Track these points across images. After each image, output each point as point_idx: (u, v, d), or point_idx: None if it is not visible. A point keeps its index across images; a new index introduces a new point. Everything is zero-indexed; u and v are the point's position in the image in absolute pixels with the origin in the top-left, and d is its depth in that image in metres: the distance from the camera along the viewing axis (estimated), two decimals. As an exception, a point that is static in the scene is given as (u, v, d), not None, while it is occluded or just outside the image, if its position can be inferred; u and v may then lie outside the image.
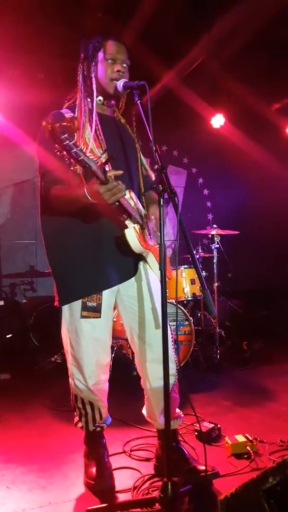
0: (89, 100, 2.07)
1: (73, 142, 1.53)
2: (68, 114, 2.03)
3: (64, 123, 1.51)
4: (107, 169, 1.72)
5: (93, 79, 2.05)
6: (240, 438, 2.43)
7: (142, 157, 2.25)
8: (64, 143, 1.52)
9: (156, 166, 1.78)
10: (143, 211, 2.15)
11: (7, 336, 4.72)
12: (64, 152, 1.56)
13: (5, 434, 2.79)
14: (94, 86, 2.05)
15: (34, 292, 5.54)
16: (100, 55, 2.06)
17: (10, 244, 5.66)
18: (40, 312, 4.85)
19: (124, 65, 2.08)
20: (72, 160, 1.58)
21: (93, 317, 2.08)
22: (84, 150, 1.60)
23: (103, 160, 1.71)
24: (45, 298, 5.14)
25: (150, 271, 2.19)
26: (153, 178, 2.28)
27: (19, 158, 5.36)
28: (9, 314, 4.81)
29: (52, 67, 4.75)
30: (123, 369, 3.65)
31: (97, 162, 1.67)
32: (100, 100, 2.11)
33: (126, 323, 2.23)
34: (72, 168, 1.63)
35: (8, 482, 2.22)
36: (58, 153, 1.56)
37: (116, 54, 2.06)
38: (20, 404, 3.31)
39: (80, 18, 3.99)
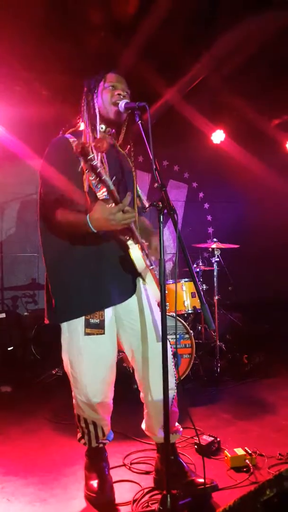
0: (92, 129, 2.13)
1: (97, 162, 1.63)
2: (72, 139, 2.11)
3: (94, 144, 1.62)
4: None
5: (96, 107, 2.13)
6: (240, 451, 2.44)
7: (138, 187, 2.31)
8: (92, 163, 1.62)
9: (156, 184, 1.83)
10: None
11: (9, 349, 4.74)
12: (91, 170, 1.66)
13: (6, 446, 2.80)
14: (97, 113, 2.12)
15: (35, 305, 5.57)
16: (101, 85, 2.16)
17: (13, 257, 5.71)
18: (41, 325, 4.87)
19: (125, 92, 2.16)
20: (97, 178, 1.67)
21: (97, 334, 2.08)
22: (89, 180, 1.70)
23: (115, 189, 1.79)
24: (46, 311, 5.16)
25: (148, 286, 2.23)
26: (146, 206, 2.34)
27: (22, 172, 5.43)
28: (10, 326, 4.83)
29: (55, 84, 4.83)
30: (124, 382, 3.65)
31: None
32: (102, 128, 2.17)
33: (124, 338, 2.24)
34: (98, 190, 1.71)
35: (9, 495, 2.23)
36: (87, 171, 1.68)
37: (116, 82, 2.16)
38: (21, 416, 3.32)
39: (83, 36, 4.08)
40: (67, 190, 1.87)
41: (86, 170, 1.69)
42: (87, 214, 1.85)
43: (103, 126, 2.18)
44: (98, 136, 2.12)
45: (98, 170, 1.65)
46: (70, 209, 1.97)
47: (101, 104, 2.14)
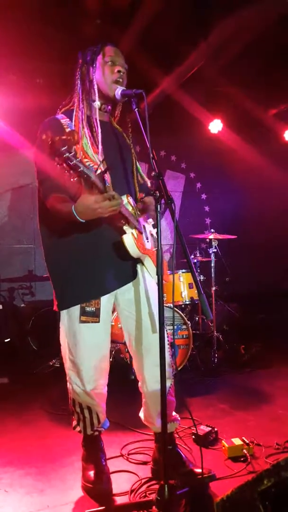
0: (86, 104, 2.08)
1: (72, 154, 1.57)
2: (64, 120, 2.05)
3: (64, 137, 1.55)
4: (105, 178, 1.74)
5: (94, 81, 2.06)
6: (237, 441, 2.45)
7: (138, 164, 2.27)
8: (64, 156, 1.56)
9: (153, 173, 1.80)
10: (140, 215, 2.17)
11: (5, 340, 4.73)
12: (64, 164, 1.59)
13: (3, 438, 2.80)
14: (95, 87, 2.06)
15: (32, 296, 5.56)
16: (99, 58, 2.09)
17: (9, 248, 5.68)
18: (38, 316, 4.87)
19: (123, 69, 2.11)
20: (71, 171, 1.61)
21: (92, 322, 2.08)
22: (82, 158, 1.63)
23: (102, 169, 1.74)
24: (43, 302, 5.15)
25: (148, 274, 2.21)
26: (149, 185, 2.30)
27: (17, 163, 5.39)
28: (7, 318, 4.82)
29: (50, 72, 4.78)
30: (121, 373, 3.66)
31: (96, 171, 1.70)
32: (97, 105, 2.10)
33: (124, 326, 2.24)
34: (72, 179, 1.65)
35: (6, 486, 2.23)
36: (58, 165, 1.60)
37: (115, 56, 2.10)
38: (18, 407, 3.32)
39: (79, 24, 4.03)
40: (60, 177, 1.82)
41: (58, 164, 1.61)
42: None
43: (99, 103, 2.10)
44: (97, 114, 2.06)
45: (73, 162, 1.58)
46: (62, 197, 1.94)
47: (101, 79, 2.07)
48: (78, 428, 2.27)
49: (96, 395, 2.17)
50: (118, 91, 2.03)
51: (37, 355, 4.64)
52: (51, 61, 4.53)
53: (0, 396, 3.64)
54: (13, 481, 2.28)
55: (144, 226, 2.19)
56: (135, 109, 1.92)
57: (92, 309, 2.08)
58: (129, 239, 2.00)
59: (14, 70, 4.75)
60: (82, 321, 2.07)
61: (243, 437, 2.48)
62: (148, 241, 2.19)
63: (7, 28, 3.94)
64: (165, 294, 3.99)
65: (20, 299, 5.43)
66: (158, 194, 1.76)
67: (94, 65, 2.08)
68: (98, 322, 2.09)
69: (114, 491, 2.13)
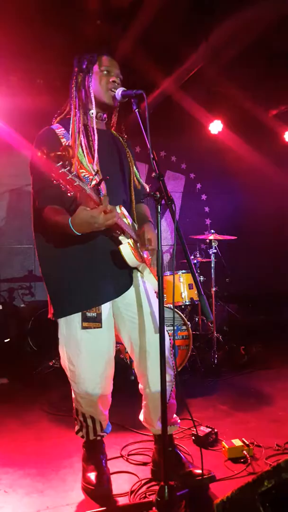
0: (82, 113, 2.08)
1: (67, 168, 1.57)
2: (59, 130, 2.05)
3: (59, 153, 1.55)
4: (100, 189, 1.74)
5: (90, 90, 2.07)
6: (237, 442, 2.44)
7: (136, 170, 2.27)
8: (60, 171, 1.56)
9: (153, 174, 1.80)
10: (135, 224, 2.18)
11: (5, 341, 4.73)
12: (60, 180, 1.59)
13: (3, 439, 2.80)
14: (91, 96, 2.07)
15: (32, 296, 5.56)
16: (95, 67, 2.10)
17: (9, 248, 5.68)
18: (38, 316, 4.87)
19: (118, 79, 2.12)
20: (67, 186, 1.61)
21: (94, 327, 2.06)
22: (78, 170, 1.63)
23: (97, 180, 1.73)
24: (43, 302, 5.13)
25: (146, 278, 2.21)
26: (147, 190, 2.30)
27: (17, 163, 5.39)
28: (7, 318, 4.83)
29: (51, 73, 4.78)
30: (121, 374, 3.66)
31: (91, 182, 1.70)
32: (92, 113, 2.10)
33: (123, 331, 2.21)
34: (69, 194, 1.65)
35: (6, 486, 2.23)
36: (54, 181, 1.60)
37: (111, 67, 2.11)
38: (18, 408, 3.31)
39: (79, 25, 4.03)
40: (55, 188, 1.82)
41: (54, 180, 1.60)
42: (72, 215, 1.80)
43: (94, 112, 2.10)
44: (94, 123, 2.06)
45: (69, 177, 1.58)
46: (58, 208, 1.93)
47: (97, 88, 2.08)
48: (80, 434, 2.26)
49: (102, 402, 2.16)
50: (119, 91, 2.04)
51: (37, 356, 4.63)
52: (52, 62, 4.53)
53: (0, 396, 3.63)
54: (13, 482, 2.27)
55: (138, 234, 2.19)
56: (136, 110, 1.92)
57: (93, 314, 2.05)
58: (126, 249, 1.99)
59: (14, 70, 4.75)
60: (84, 327, 2.05)
61: (243, 438, 2.47)
62: (142, 251, 2.19)
63: (8, 28, 3.94)
64: (165, 295, 3.99)
65: (20, 299, 5.44)
66: (158, 195, 1.76)
67: (90, 74, 2.09)
68: (101, 327, 2.07)
69: (114, 492, 2.13)
